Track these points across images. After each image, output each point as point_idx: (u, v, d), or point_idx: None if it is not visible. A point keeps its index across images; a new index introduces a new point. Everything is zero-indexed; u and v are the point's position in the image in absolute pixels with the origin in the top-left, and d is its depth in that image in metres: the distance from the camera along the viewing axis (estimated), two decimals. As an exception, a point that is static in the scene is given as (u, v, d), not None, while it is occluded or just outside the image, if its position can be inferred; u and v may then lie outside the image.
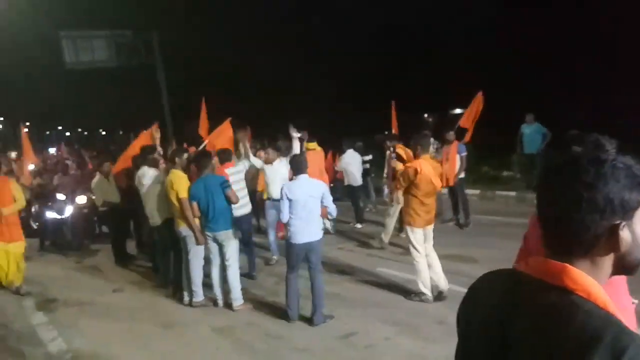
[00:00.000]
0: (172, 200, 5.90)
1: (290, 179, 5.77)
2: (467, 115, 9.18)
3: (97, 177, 8.08)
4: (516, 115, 12.02)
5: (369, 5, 25.38)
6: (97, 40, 20.81)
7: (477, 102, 9.05)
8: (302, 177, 5.20)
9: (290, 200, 5.11)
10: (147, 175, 6.55)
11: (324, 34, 25.94)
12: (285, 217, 5.19)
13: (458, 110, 12.10)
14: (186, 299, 6.10)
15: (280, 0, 26.57)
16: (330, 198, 5.32)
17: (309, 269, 5.31)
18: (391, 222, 8.02)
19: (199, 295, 6.01)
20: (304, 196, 5.09)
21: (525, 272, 1.14)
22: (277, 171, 7.29)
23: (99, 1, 24.92)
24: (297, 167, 5.26)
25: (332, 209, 5.36)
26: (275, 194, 6.89)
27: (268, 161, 7.36)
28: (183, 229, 5.90)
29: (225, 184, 5.69)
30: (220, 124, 7.97)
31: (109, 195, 7.99)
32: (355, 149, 10.19)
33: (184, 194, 5.76)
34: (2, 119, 44.34)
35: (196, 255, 5.98)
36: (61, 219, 9.23)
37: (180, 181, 5.86)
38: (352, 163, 9.83)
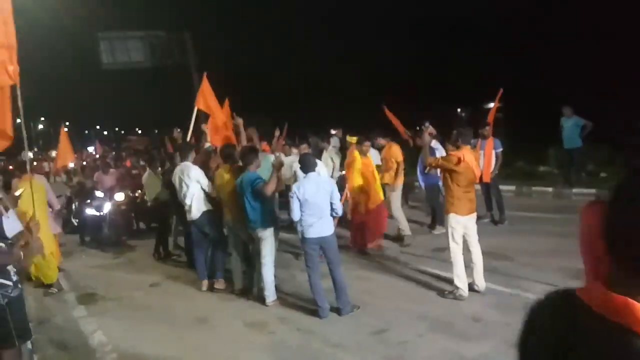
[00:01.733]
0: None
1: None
2: (493, 110, 9.06)
3: (147, 172, 8.28)
4: (553, 107, 11.72)
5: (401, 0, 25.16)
6: (132, 41, 21.29)
7: (496, 100, 8.92)
8: (312, 175, 5.31)
9: (300, 199, 5.20)
10: (191, 170, 6.54)
11: (356, 31, 25.81)
12: (296, 216, 5.27)
13: (491, 105, 11.91)
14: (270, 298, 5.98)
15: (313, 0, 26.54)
16: (338, 196, 5.40)
17: (327, 263, 5.35)
18: (399, 214, 7.98)
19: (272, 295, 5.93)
20: (313, 194, 5.20)
21: (586, 303, 1.02)
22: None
23: (133, 3, 25.45)
24: (307, 165, 5.36)
25: (338, 207, 5.41)
26: None
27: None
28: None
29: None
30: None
31: (158, 190, 8.11)
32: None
33: None
34: (42, 119, 45.92)
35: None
36: (100, 215, 9.50)
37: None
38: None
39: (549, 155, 13.56)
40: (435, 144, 8.17)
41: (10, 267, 3.35)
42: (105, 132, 56.82)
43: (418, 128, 8.05)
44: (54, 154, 14.57)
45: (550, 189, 11.28)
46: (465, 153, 5.54)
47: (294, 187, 5.33)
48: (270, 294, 5.84)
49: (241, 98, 9.30)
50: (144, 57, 21.25)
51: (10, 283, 3.35)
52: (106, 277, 7.66)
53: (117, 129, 60.98)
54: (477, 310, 5.20)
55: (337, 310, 5.31)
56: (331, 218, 5.44)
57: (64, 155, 10.53)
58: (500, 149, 8.52)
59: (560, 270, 6.11)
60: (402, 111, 8.92)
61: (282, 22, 28.22)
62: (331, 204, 5.33)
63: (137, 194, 10.50)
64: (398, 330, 4.93)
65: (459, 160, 5.46)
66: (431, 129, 6.45)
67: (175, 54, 21.71)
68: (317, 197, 5.21)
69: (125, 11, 25.38)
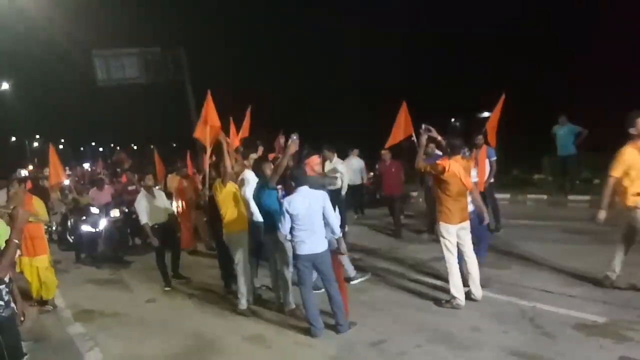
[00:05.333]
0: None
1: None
2: (492, 119, 8.95)
3: (142, 193, 8.22)
4: (547, 116, 11.82)
5: (394, 11, 25.40)
6: (127, 58, 21.36)
7: (499, 105, 8.74)
8: (303, 189, 5.19)
9: (291, 214, 5.12)
10: None
11: (349, 43, 26.02)
12: (285, 230, 5.21)
13: (486, 114, 11.97)
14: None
15: (306, 15, 26.77)
16: (332, 210, 5.24)
17: (322, 280, 5.27)
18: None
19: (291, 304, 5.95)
20: (305, 208, 5.09)
21: None
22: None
23: (128, 20, 25.64)
24: (298, 179, 5.25)
25: (333, 223, 5.19)
26: None
27: None
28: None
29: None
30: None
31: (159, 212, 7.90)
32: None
33: None
34: (38, 136, 45.84)
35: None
36: (95, 232, 9.47)
37: None
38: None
39: (544, 163, 13.64)
40: (438, 151, 8.12)
41: (2, 287, 3.32)
42: (101, 149, 56.73)
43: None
44: (47, 171, 14.51)
45: (545, 197, 11.33)
46: (453, 163, 5.56)
47: (285, 202, 5.25)
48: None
49: (235, 113, 9.29)
50: (138, 73, 21.28)
51: (1, 303, 3.32)
52: (102, 294, 7.62)
53: (112, 145, 60.95)
54: (475, 319, 5.19)
55: (334, 329, 5.22)
56: (324, 233, 5.22)
57: (56, 173, 10.52)
58: (494, 158, 8.54)
59: (557, 278, 6.14)
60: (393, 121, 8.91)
61: (275, 37, 28.45)
62: (326, 220, 5.17)
63: (132, 210, 10.48)
64: (396, 341, 4.91)
65: (444, 170, 5.50)
66: (434, 133, 6.34)
67: (170, 70, 21.79)
68: (308, 212, 5.10)
69: (120, 28, 25.56)
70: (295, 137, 5.83)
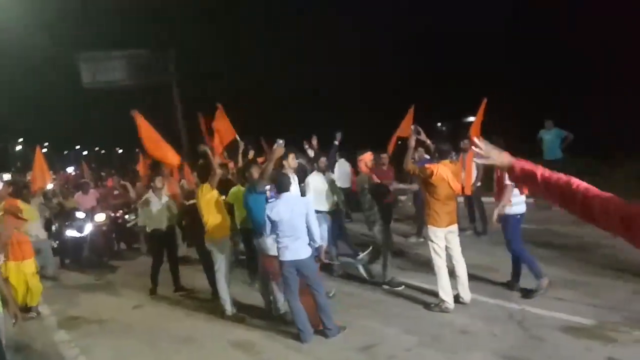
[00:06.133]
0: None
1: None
2: (474, 124, 8.88)
3: (149, 194, 8.04)
4: (534, 120, 11.93)
5: (382, 15, 25.51)
6: (114, 61, 21.23)
7: (481, 110, 8.72)
8: (286, 196, 5.17)
9: (273, 220, 5.10)
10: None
11: (340, 46, 26.05)
12: (267, 236, 5.29)
13: (471, 118, 12.05)
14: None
15: (298, 16, 26.74)
16: (314, 217, 5.22)
17: (308, 286, 5.22)
18: None
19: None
20: (287, 215, 5.06)
21: None
22: (309, 184, 7.02)
23: (115, 22, 25.39)
24: (281, 185, 5.21)
25: (315, 230, 5.15)
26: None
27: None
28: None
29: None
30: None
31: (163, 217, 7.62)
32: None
33: None
34: (21, 140, 45.19)
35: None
36: (81, 237, 9.34)
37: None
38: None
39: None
40: (427, 155, 8.11)
41: None
42: (85, 152, 56.06)
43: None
44: (29, 176, 14.25)
45: (531, 200, 11.41)
46: (440, 167, 5.60)
47: (267, 208, 5.21)
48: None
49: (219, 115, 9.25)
50: (125, 75, 21.17)
51: None
52: (88, 300, 7.52)
53: (97, 148, 60.28)
54: (464, 322, 5.21)
55: (323, 334, 5.19)
56: (307, 239, 5.16)
57: (41, 177, 10.35)
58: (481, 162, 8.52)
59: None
60: (381, 127, 8.93)
61: (267, 40, 28.42)
62: (309, 228, 5.14)
63: (118, 214, 10.38)
64: (386, 345, 4.91)
65: (432, 174, 5.53)
66: (423, 136, 6.34)
67: (157, 72, 21.66)
68: (291, 218, 5.06)
69: (108, 29, 25.32)
70: (281, 142, 5.81)
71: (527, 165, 2.14)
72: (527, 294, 5.67)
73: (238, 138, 8.35)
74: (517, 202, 5.75)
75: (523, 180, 2.15)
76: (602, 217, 1.79)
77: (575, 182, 1.93)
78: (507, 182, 5.46)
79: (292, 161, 6.55)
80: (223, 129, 8.71)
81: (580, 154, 12.03)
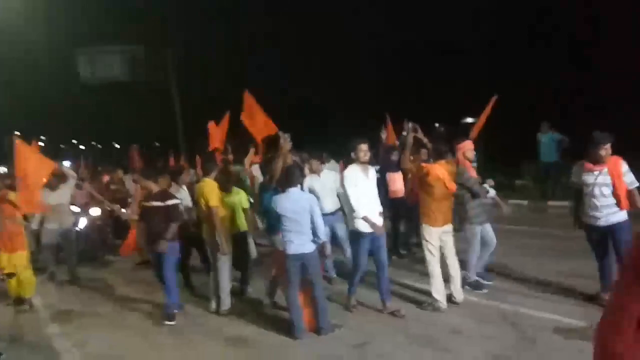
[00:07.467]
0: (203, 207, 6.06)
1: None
2: (480, 119, 8.71)
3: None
4: (530, 123, 11.97)
5: (378, 15, 25.50)
6: (112, 56, 21.17)
7: (489, 108, 8.56)
8: (293, 191, 5.20)
9: (278, 214, 5.15)
10: None
11: (336, 48, 26.03)
12: (274, 230, 5.33)
13: (470, 120, 12.04)
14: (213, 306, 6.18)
15: (298, 15, 26.63)
16: (319, 213, 5.22)
17: (309, 281, 5.25)
18: None
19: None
20: (292, 209, 5.11)
21: None
22: (324, 183, 6.79)
23: (114, 17, 25.32)
24: (289, 180, 5.24)
25: (319, 226, 5.16)
26: (327, 208, 6.59)
27: (313, 172, 6.92)
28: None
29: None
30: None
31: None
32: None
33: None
34: (18, 133, 45.10)
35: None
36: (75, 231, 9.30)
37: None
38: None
39: (525, 168, 13.82)
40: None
41: None
42: (82, 147, 55.86)
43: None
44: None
45: (525, 202, 11.47)
46: (436, 167, 5.61)
47: (272, 201, 5.26)
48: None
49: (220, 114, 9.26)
50: (122, 71, 21.13)
51: None
52: (81, 294, 7.50)
53: (93, 143, 60.10)
54: (456, 322, 5.23)
55: (317, 330, 5.20)
56: (311, 235, 5.17)
57: (40, 168, 10.26)
58: (474, 164, 8.36)
59: (536, 282, 6.22)
60: (378, 128, 8.88)
61: (264, 38, 28.37)
62: (313, 224, 5.14)
63: (113, 209, 10.34)
64: (378, 343, 4.92)
65: (427, 173, 5.55)
66: (420, 134, 6.21)
67: (155, 68, 21.64)
68: (295, 213, 5.11)
69: (106, 25, 25.21)
70: (287, 136, 5.89)
71: None
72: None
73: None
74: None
75: None
76: None
77: None
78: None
79: (468, 151, 6.08)
80: (260, 121, 8.29)
81: (577, 156, 11.95)
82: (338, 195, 6.76)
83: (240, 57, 27.94)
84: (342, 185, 5.54)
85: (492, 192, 6.26)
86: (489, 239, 6.15)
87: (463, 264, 5.96)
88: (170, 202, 5.98)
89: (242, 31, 28.54)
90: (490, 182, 6.44)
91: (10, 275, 6.68)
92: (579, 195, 5.48)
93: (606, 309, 1.59)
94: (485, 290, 6.02)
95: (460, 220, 6.00)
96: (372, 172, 5.63)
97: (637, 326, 1.46)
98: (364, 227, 5.43)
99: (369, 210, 5.44)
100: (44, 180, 7.58)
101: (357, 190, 5.41)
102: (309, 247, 5.17)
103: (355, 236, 5.56)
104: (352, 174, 5.46)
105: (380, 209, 5.60)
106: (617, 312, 1.50)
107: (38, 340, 5.76)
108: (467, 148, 6.08)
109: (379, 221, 5.51)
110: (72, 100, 32.93)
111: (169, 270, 5.99)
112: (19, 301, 6.77)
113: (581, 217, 5.51)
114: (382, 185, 7.14)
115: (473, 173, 6.05)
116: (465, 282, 6.03)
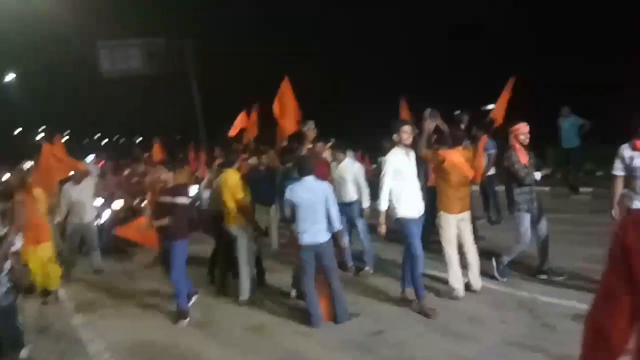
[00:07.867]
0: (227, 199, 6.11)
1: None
2: (500, 101, 8.46)
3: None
4: (551, 106, 11.70)
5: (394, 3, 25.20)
6: (132, 49, 21.32)
7: (507, 90, 8.29)
8: (308, 179, 5.22)
9: (293, 203, 5.17)
10: None
11: (356, 33, 25.84)
12: (289, 218, 5.34)
13: (490, 106, 11.84)
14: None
15: (314, 7, 26.48)
16: (335, 202, 5.25)
17: (324, 271, 5.28)
18: None
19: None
20: (307, 198, 5.14)
21: None
22: (346, 171, 6.82)
23: (133, 10, 25.52)
24: (304, 168, 5.28)
25: (333, 216, 5.20)
26: (348, 197, 6.71)
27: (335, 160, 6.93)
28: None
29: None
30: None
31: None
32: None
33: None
34: (42, 128, 45.91)
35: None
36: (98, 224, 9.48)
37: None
38: None
39: (547, 154, 13.55)
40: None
41: (2, 277, 3.35)
42: (106, 140, 56.70)
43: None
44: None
45: (547, 189, 11.28)
46: (453, 154, 5.56)
47: (287, 191, 5.29)
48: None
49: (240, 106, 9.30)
50: (143, 64, 21.29)
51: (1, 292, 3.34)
52: (104, 285, 7.67)
53: (116, 137, 60.92)
54: (474, 310, 5.22)
55: (334, 319, 5.24)
56: (326, 225, 5.21)
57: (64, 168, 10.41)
58: (493, 150, 8.21)
59: (555, 269, 6.13)
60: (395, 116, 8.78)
61: (282, 30, 28.30)
62: (328, 213, 5.19)
63: (136, 202, 10.50)
64: (396, 331, 4.94)
65: (443, 160, 5.51)
66: (440, 122, 6.06)
67: (175, 61, 21.77)
68: (310, 202, 5.14)
69: (125, 18, 25.44)
70: (310, 123, 5.97)
71: None
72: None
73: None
74: None
75: None
76: None
77: None
78: None
79: (522, 135, 5.88)
80: (290, 110, 7.92)
81: (598, 140, 11.65)
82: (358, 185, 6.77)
83: (257, 46, 27.91)
84: (383, 168, 5.40)
85: (538, 175, 6.15)
86: (541, 230, 5.97)
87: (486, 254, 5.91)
88: (180, 200, 5.81)
89: (258, 21, 28.54)
90: (540, 173, 6.28)
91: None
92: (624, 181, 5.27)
93: (597, 293, 1.62)
94: (505, 279, 5.97)
95: (506, 207, 5.86)
96: (413, 156, 5.48)
97: (630, 313, 1.52)
98: (406, 212, 5.32)
99: (411, 195, 5.37)
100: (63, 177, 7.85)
101: (399, 175, 5.29)
102: (323, 237, 5.20)
103: (403, 223, 5.36)
104: (395, 157, 5.35)
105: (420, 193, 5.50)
106: (611, 300, 1.58)
107: (63, 331, 5.92)
108: (521, 131, 5.84)
109: (419, 207, 5.44)
110: (95, 95, 33.41)
111: (176, 273, 5.81)
112: (45, 293, 6.95)
113: (625, 203, 5.26)
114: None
115: (524, 158, 5.85)
116: (496, 261, 6.00)
